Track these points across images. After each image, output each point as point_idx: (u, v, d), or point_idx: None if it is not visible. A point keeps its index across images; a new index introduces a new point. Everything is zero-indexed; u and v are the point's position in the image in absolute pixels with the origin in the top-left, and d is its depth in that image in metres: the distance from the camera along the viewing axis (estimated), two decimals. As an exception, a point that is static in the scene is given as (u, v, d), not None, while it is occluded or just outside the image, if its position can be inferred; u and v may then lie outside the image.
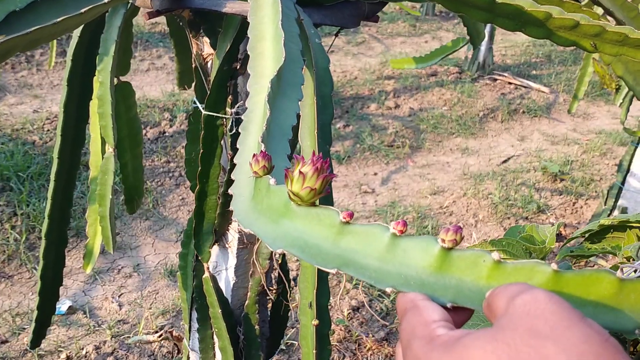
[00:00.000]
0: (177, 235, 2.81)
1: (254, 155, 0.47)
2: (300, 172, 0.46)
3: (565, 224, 3.12)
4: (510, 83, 5.13)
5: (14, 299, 2.31)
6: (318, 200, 0.48)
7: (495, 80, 5.16)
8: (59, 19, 0.60)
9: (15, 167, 2.97)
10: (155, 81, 4.52)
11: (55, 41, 3.17)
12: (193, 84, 1.19)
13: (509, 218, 3.13)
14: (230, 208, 0.51)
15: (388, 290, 0.45)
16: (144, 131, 3.64)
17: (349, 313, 2.36)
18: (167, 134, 3.66)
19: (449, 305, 0.43)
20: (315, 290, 0.80)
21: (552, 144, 4.21)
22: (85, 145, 1.31)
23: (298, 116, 0.61)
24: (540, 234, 0.92)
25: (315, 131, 0.73)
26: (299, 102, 0.62)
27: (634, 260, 0.85)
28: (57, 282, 1.07)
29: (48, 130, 3.50)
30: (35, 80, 4.30)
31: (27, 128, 3.49)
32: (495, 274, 0.43)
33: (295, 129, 0.64)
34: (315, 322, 0.81)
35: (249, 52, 0.66)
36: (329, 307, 2.36)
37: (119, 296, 2.40)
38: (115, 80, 1.27)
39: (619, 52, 0.83)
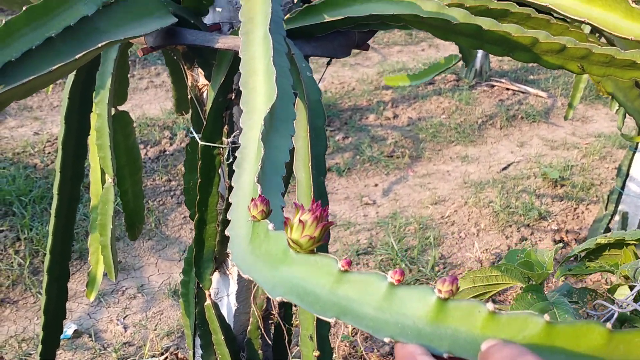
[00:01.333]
0: (180, 254, 2.82)
1: (253, 199, 0.48)
2: (300, 221, 0.47)
3: (567, 230, 3.12)
4: (508, 89, 5.15)
5: (19, 324, 2.32)
6: (316, 248, 0.49)
7: (493, 86, 5.17)
8: (54, 67, 0.61)
9: (17, 191, 2.98)
10: (154, 99, 4.54)
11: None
12: (190, 112, 1.21)
13: (510, 226, 3.13)
14: (228, 251, 0.52)
15: (386, 340, 0.45)
16: (144, 150, 3.66)
17: (354, 329, 2.36)
18: (167, 152, 3.67)
19: (445, 355, 0.44)
20: (315, 322, 0.80)
21: (551, 148, 4.22)
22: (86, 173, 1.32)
23: (291, 152, 0.62)
24: (539, 257, 0.93)
25: (309, 163, 0.74)
26: (294, 135, 0.64)
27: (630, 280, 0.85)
28: (61, 315, 1.08)
29: (49, 152, 3.52)
30: (35, 102, 4.33)
31: (28, 151, 3.51)
32: (490, 324, 0.43)
33: (289, 164, 0.65)
34: (317, 353, 0.81)
35: (241, 88, 0.67)
36: (334, 322, 2.36)
37: (123, 318, 2.40)
38: (113, 110, 1.28)
39: (606, 72, 0.84)
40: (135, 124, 3.97)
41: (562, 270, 0.97)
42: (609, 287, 0.93)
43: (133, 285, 2.59)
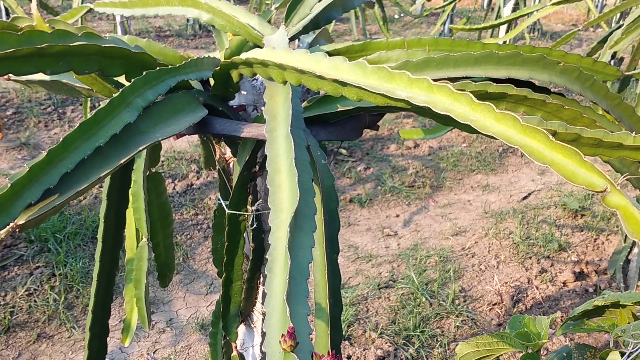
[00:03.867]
0: (207, 288, 2.92)
1: (283, 335, 0.57)
2: None
3: (587, 261, 3.16)
4: (528, 116, 5.19)
5: (55, 358, 2.43)
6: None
7: (514, 113, 5.22)
8: (102, 174, 0.72)
9: (52, 228, 3.12)
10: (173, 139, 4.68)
11: (88, 102, 3.34)
12: (216, 169, 1.31)
13: (530, 257, 3.17)
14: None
15: None
16: (172, 184, 3.78)
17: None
18: (194, 186, 3.79)
19: None
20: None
21: (572, 177, 4.25)
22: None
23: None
24: (537, 326, 1.00)
25: (324, 243, 0.83)
26: (315, 231, 0.72)
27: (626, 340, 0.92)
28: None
29: (81, 187, 3.66)
30: (68, 137, 4.49)
31: (61, 186, 3.66)
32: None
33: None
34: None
35: (268, 186, 0.76)
36: (355, 358, 2.43)
37: (154, 352, 2.50)
38: (147, 171, 1.39)
39: (596, 152, 0.92)
40: (163, 158, 4.11)
41: (563, 329, 1.04)
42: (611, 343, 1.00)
43: (162, 319, 2.69)
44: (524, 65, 1.02)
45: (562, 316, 2.69)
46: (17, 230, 0.64)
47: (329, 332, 0.83)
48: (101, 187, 3.75)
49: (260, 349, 1.25)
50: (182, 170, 3.95)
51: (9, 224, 0.63)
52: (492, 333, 1.02)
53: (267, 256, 0.65)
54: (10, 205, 0.62)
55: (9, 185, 0.62)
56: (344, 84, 0.76)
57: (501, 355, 0.95)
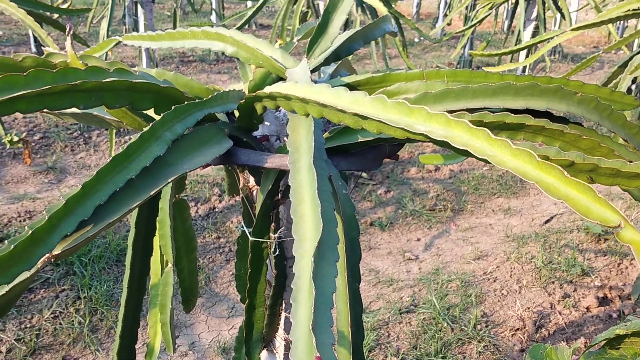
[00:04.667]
0: (229, 311, 2.94)
1: None
2: None
3: (610, 286, 3.12)
4: (549, 139, 5.17)
5: (79, 381, 2.46)
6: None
7: (535, 136, 5.21)
8: (133, 205, 0.75)
9: (77, 251, 3.17)
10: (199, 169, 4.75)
11: (114, 132, 3.42)
12: (239, 196, 1.34)
13: (553, 282, 3.15)
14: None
15: None
16: (194, 208, 3.83)
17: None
18: (217, 209, 3.84)
19: None
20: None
21: (595, 200, 4.21)
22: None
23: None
24: (559, 356, 1.00)
25: (345, 272, 0.85)
26: (338, 261, 0.75)
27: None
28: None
29: (106, 211, 3.73)
30: (93, 161, 4.59)
31: (87, 210, 3.73)
32: None
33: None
34: None
35: (292, 216, 0.78)
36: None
37: (176, 376, 2.52)
38: (173, 198, 1.43)
39: (614, 182, 0.93)
40: (186, 182, 4.16)
41: (585, 357, 1.04)
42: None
43: (185, 342, 2.71)
44: (542, 96, 1.04)
45: (586, 342, 2.66)
46: (52, 260, 0.67)
47: (351, 359, 0.85)
48: (125, 210, 3.82)
49: (283, 374, 1.26)
50: (204, 193, 4.00)
51: (45, 255, 0.66)
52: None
53: (291, 285, 0.67)
54: (48, 237, 0.65)
55: (46, 217, 0.66)
56: (364, 117, 0.78)
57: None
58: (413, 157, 4.87)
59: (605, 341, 1.03)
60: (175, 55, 8.31)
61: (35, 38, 6.18)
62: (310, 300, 0.63)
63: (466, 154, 0.88)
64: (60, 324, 2.72)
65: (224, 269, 3.26)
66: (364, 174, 4.48)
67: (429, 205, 4.09)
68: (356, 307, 0.88)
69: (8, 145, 4.03)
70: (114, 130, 3.52)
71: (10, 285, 0.63)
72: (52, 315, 2.77)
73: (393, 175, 4.52)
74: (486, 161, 0.86)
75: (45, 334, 2.66)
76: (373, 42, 5.01)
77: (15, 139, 3.94)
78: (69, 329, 2.69)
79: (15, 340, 2.60)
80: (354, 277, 0.88)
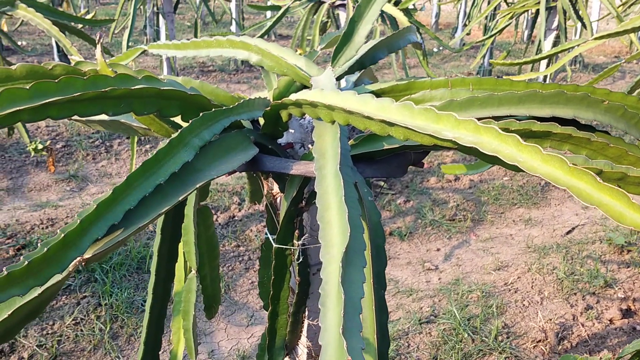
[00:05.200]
0: (248, 320, 2.94)
1: None
2: None
3: (634, 298, 3.07)
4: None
5: (100, 387, 2.48)
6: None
7: (556, 146, 5.17)
8: (162, 210, 0.76)
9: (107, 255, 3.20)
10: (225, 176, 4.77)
11: (135, 140, 3.46)
12: (262, 203, 1.35)
13: (575, 294, 3.11)
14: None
15: None
16: (214, 216, 3.85)
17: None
18: (236, 218, 3.85)
19: None
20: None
21: (617, 211, 4.16)
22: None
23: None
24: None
25: (371, 280, 0.85)
26: (365, 267, 0.75)
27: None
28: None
29: (127, 219, 3.76)
30: (114, 169, 4.63)
31: (108, 218, 3.76)
32: None
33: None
34: None
35: (318, 222, 0.79)
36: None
37: (195, 383, 2.52)
38: (197, 205, 1.44)
39: (644, 191, 0.92)
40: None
41: (612, 368, 1.03)
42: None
43: (204, 350, 2.72)
44: (568, 104, 1.03)
45: (611, 356, 2.62)
46: (83, 264, 0.68)
47: (376, 367, 0.84)
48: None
49: (305, 382, 1.26)
50: (224, 202, 4.02)
51: (76, 258, 0.67)
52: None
53: (319, 290, 0.67)
54: (79, 240, 0.66)
55: (77, 221, 0.67)
56: (391, 124, 0.78)
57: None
58: (432, 166, 4.85)
59: (634, 353, 1.02)
60: (195, 65, 8.39)
61: (58, 48, 6.28)
62: (339, 306, 0.63)
63: (495, 161, 0.87)
64: (82, 330, 2.74)
65: (244, 277, 3.26)
66: (382, 183, 4.47)
67: (448, 215, 4.07)
68: (382, 315, 0.88)
69: (32, 153, 4.09)
70: (136, 139, 3.55)
71: (43, 287, 0.64)
72: (74, 322, 2.79)
73: (412, 184, 4.51)
74: (515, 168, 0.86)
75: (67, 340, 2.68)
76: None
77: (40, 146, 4.00)
78: (90, 335, 2.71)
79: (37, 346, 2.62)
80: (379, 284, 0.87)
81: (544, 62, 5.29)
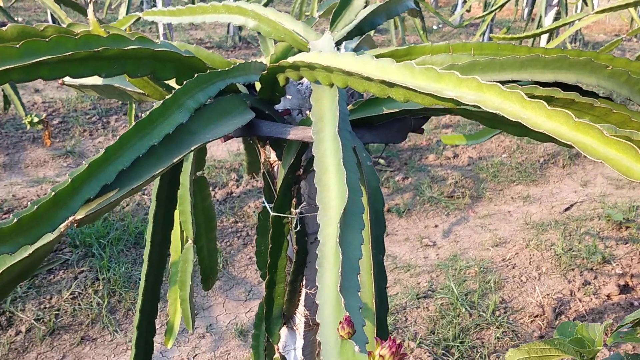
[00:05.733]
0: (246, 295, 2.94)
1: (340, 322, 0.57)
2: (380, 355, 0.56)
3: (632, 274, 3.08)
4: (570, 126, 5.11)
5: (98, 361, 2.48)
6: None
7: (555, 124, 5.14)
8: (156, 172, 0.74)
9: (96, 233, 3.19)
10: (221, 142, 4.75)
11: (133, 110, 3.44)
12: (260, 173, 1.33)
13: (573, 270, 3.11)
14: (321, 358, 0.61)
15: None
16: (212, 192, 3.83)
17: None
18: (234, 194, 3.84)
19: None
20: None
21: (616, 188, 4.16)
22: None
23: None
24: (590, 333, 0.98)
25: (370, 244, 0.84)
26: (364, 229, 0.73)
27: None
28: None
29: (124, 194, 3.74)
30: (111, 146, 4.60)
31: (105, 193, 3.75)
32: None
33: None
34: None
35: (316, 185, 0.77)
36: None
37: (193, 357, 2.53)
38: (193, 175, 1.42)
39: (648, 157, 0.90)
40: (203, 167, 4.17)
41: (614, 337, 1.02)
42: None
43: (202, 324, 2.72)
44: (571, 69, 1.01)
45: (610, 327, 2.63)
46: (75, 224, 0.67)
47: (374, 332, 0.83)
48: (144, 193, 3.82)
49: (302, 350, 1.25)
50: (222, 178, 4.00)
51: (68, 218, 0.66)
52: (543, 340, 1.01)
53: (317, 252, 0.66)
54: (70, 200, 0.65)
55: (69, 180, 0.65)
56: (391, 84, 0.76)
57: (549, 361, 0.94)
58: (431, 144, 4.83)
59: (635, 322, 1.01)
60: (192, 42, 8.31)
61: (54, 21, 6.20)
62: (336, 266, 0.62)
63: (496, 123, 0.85)
64: (79, 304, 2.74)
65: (242, 253, 3.26)
66: (381, 161, 4.45)
67: (447, 192, 4.05)
68: (381, 280, 0.86)
69: (28, 127, 4.05)
70: (133, 114, 3.53)
71: (34, 247, 0.63)
72: (71, 296, 2.79)
73: (411, 162, 4.49)
74: (517, 130, 0.84)
75: (64, 315, 2.68)
76: (392, 28, 4.97)
77: (36, 119, 3.96)
78: (88, 309, 2.71)
79: (34, 320, 2.62)
80: (378, 249, 0.86)
81: (544, 38, 5.25)
